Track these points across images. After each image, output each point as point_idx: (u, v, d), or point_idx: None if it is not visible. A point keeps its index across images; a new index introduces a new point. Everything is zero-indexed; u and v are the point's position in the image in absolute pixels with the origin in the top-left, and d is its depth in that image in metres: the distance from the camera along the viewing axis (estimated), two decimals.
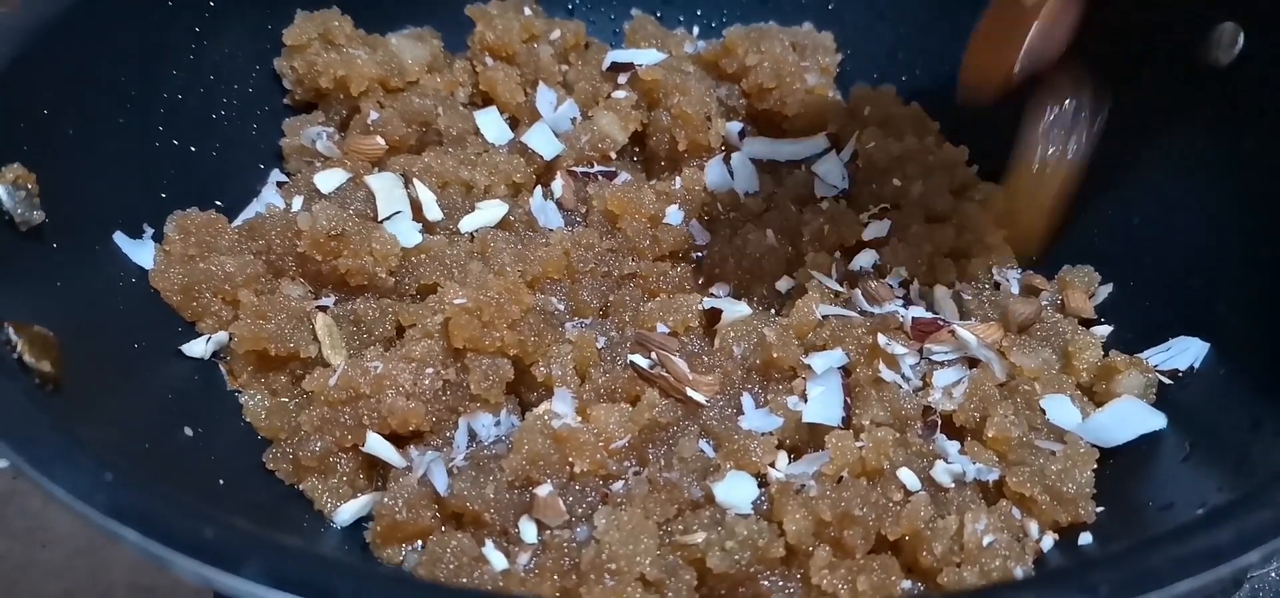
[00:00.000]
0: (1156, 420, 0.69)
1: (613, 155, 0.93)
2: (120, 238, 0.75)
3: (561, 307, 0.78)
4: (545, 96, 0.95)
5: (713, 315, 0.79)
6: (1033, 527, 0.65)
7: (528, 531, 0.65)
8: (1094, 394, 0.73)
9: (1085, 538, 0.64)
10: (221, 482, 0.65)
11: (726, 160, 0.92)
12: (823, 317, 0.75)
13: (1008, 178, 0.86)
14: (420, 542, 0.66)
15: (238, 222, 0.84)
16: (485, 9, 0.98)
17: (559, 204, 0.87)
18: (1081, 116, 0.81)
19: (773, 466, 0.68)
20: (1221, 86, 0.76)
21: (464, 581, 0.62)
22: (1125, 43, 0.84)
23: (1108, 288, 0.82)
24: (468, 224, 0.84)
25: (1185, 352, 0.72)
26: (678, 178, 0.89)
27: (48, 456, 0.46)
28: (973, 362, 0.73)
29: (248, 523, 0.47)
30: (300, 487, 0.70)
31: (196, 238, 0.79)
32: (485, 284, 0.74)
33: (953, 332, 0.72)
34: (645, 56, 0.96)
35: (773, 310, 0.80)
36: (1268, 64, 0.74)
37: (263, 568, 0.43)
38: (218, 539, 0.43)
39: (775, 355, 0.72)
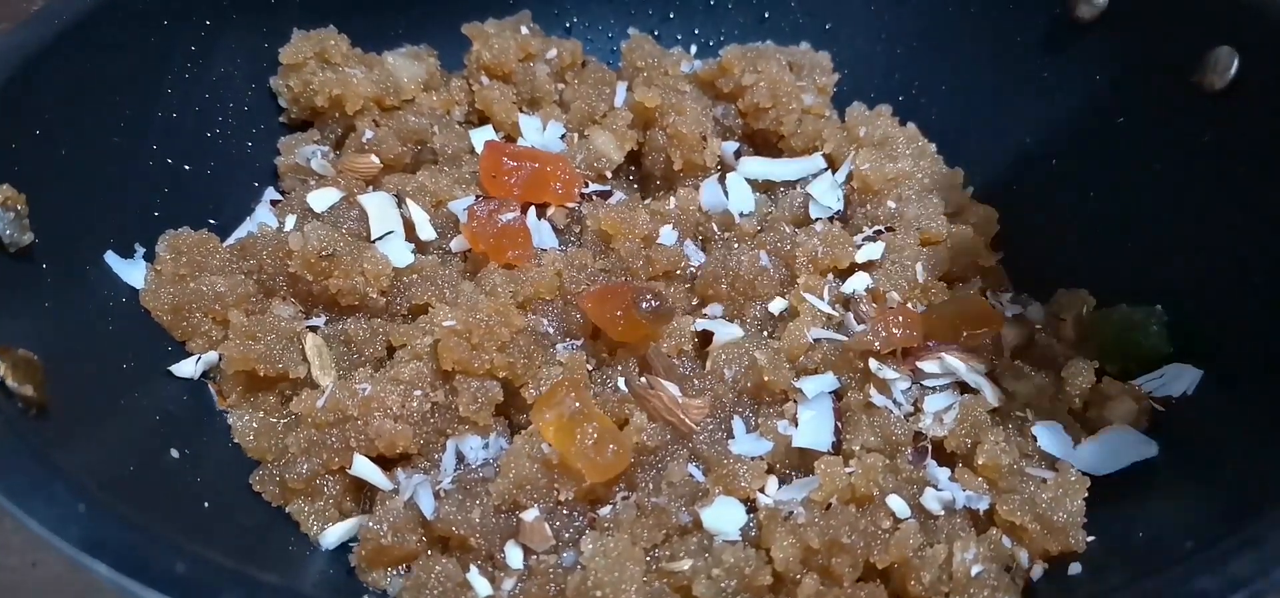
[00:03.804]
0: (1148, 449, 0.68)
1: (608, 174, 0.93)
2: (111, 257, 0.75)
3: (552, 328, 0.78)
4: (529, 123, 0.95)
5: (705, 337, 0.78)
6: (1023, 556, 0.65)
7: (514, 556, 0.64)
8: (1086, 420, 0.73)
9: (1075, 568, 0.64)
10: (207, 505, 0.64)
11: (722, 180, 0.91)
12: (815, 340, 0.75)
13: None
14: (406, 566, 0.66)
15: (230, 240, 0.84)
16: (482, 28, 0.98)
17: (552, 224, 0.87)
18: None
19: (762, 491, 0.67)
20: (1218, 113, 0.76)
21: None
22: (1122, 66, 0.83)
23: None
24: (460, 244, 0.83)
25: (1178, 378, 0.72)
26: (673, 197, 0.89)
27: (22, 485, 0.46)
28: (965, 387, 0.72)
29: (229, 551, 0.46)
30: (287, 509, 0.70)
31: (188, 257, 0.79)
32: (476, 305, 0.73)
33: (942, 356, 0.72)
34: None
35: (765, 332, 0.80)
36: (1263, 89, 0.73)
37: None
38: (190, 575, 0.42)
39: (767, 379, 0.72)
